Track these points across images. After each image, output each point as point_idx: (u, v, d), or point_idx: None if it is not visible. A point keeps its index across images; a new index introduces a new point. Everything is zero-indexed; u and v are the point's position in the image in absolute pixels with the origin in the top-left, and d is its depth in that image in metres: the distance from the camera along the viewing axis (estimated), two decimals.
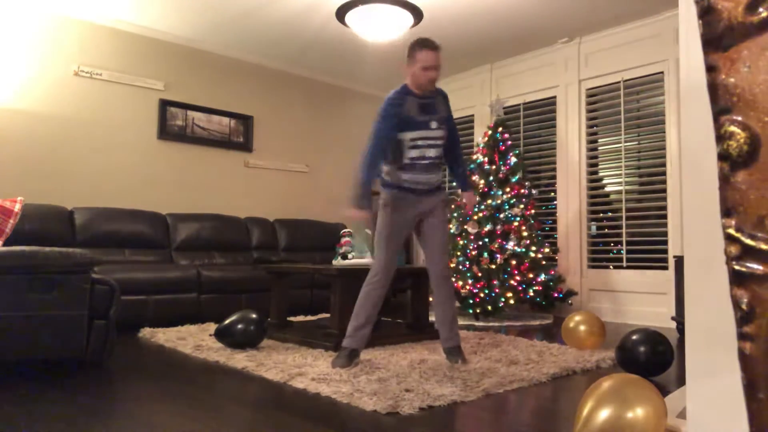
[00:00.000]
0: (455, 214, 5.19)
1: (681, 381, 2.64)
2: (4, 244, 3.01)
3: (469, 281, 4.80)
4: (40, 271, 2.58)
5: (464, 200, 3.22)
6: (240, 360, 2.95)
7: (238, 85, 5.94)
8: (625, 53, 5.19)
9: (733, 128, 0.82)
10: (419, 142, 2.88)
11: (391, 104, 2.85)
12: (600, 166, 5.42)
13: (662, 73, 4.95)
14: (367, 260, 3.82)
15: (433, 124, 2.90)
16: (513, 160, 5.16)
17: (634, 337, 2.70)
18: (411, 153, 2.88)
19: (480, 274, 4.81)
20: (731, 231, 0.83)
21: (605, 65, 5.33)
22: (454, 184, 3.20)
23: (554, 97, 5.72)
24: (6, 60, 4.58)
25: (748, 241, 0.81)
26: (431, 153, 2.92)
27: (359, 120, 6.93)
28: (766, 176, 0.80)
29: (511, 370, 2.76)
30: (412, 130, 2.86)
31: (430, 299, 4.13)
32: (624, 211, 5.17)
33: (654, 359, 2.65)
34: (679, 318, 4.02)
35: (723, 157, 0.83)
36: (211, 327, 4.08)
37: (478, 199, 5.08)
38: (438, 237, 2.99)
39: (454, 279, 4.92)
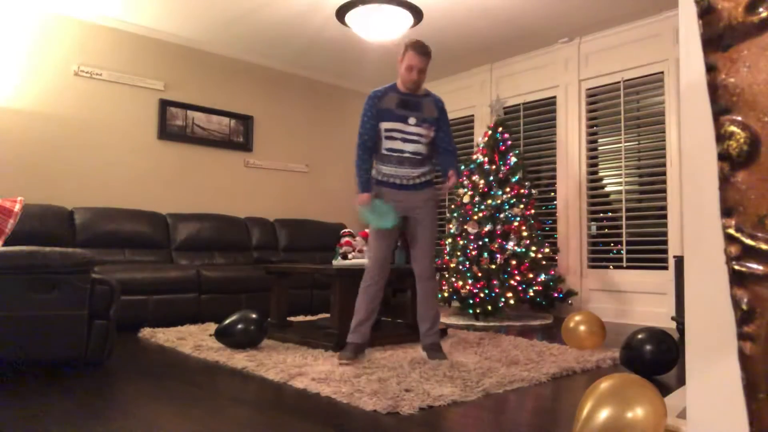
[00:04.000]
0: (455, 214, 5.19)
1: (681, 381, 2.64)
2: (4, 244, 3.01)
3: (469, 281, 4.80)
4: (40, 271, 2.58)
5: (447, 179, 3.06)
6: (240, 360, 2.95)
7: (238, 85, 5.94)
8: (625, 53, 5.19)
9: (733, 128, 0.82)
10: (394, 134, 2.98)
11: (371, 98, 3.03)
12: (600, 166, 5.42)
13: (662, 73, 4.95)
14: (367, 261, 3.82)
15: (411, 120, 2.98)
16: (513, 160, 5.16)
17: (640, 336, 2.70)
18: (386, 144, 3.01)
19: (480, 274, 4.81)
20: (731, 231, 0.83)
21: (605, 65, 5.33)
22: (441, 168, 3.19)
23: (554, 97, 5.72)
24: (6, 60, 4.58)
25: (748, 241, 0.81)
26: (408, 148, 2.99)
27: (359, 120, 6.93)
28: (766, 176, 0.80)
29: (511, 370, 2.76)
30: (387, 120, 2.99)
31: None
32: (624, 211, 5.16)
33: (660, 358, 2.65)
34: (679, 318, 4.02)
35: (723, 157, 0.83)
36: (211, 327, 4.08)
37: (477, 199, 5.07)
38: (422, 235, 3.03)
39: (454, 279, 4.92)
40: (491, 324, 4.68)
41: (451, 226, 5.27)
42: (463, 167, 5.37)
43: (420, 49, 2.94)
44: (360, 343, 2.98)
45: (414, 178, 3.02)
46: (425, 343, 3.06)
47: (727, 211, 0.83)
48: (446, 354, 3.05)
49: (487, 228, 4.92)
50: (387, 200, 3.00)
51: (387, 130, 2.99)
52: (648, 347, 2.66)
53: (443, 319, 4.78)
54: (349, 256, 3.84)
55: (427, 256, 3.04)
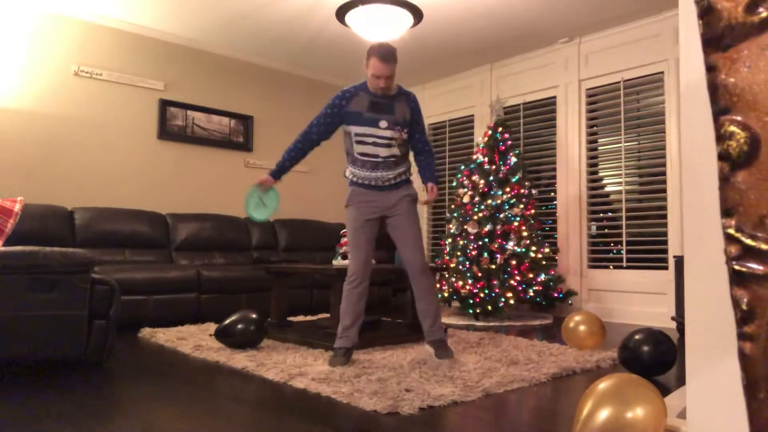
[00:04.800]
0: (455, 214, 5.19)
1: (681, 381, 2.64)
2: (4, 244, 3.01)
3: (469, 281, 4.80)
4: (40, 271, 2.58)
5: (430, 189, 3.04)
6: (240, 360, 2.95)
7: (238, 85, 5.94)
8: (625, 53, 5.19)
9: (733, 128, 0.82)
10: (365, 139, 2.93)
11: (339, 97, 2.98)
12: (600, 166, 5.42)
13: (662, 73, 4.95)
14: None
15: (383, 124, 2.92)
16: (513, 160, 5.16)
17: (637, 337, 2.71)
18: (357, 148, 2.96)
19: (480, 274, 4.81)
20: (731, 231, 0.83)
21: (605, 65, 5.34)
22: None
23: (554, 97, 5.72)
24: (6, 60, 4.58)
25: (748, 241, 0.81)
26: (381, 152, 2.94)
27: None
28: (766, 176, 0.80)
29: (511, 370, 2.76)
30: (357, 125, 2.93)
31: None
32: (624, 211, 5.16)
33: (657, 358, 2.65)
34: (679, 318, 4.02)
35: (723, 157, 0.83)
36: (211, 327, 4.08)
37: (477, 199, 5.07)
38: (406, 232, 2.99)
39: (454, 279, 4.92)
40: (491, 324, 4.68)
41: (451, 226, 5.27)
42: (462, 167, 5.37)
43: (384, 56, 2.85)
44: (349, 347, 2.92)
45: (389, 179, 2.98)
46: (431, 339, 3.03)
47: (727, 211, 0.83)
48: (452, 351, 3.03)
49: (487, 228, 4.92)
50: (366, 201, 2.97)
51: (357, 134, 2.93)
52: (645, 348, 2.66)
53: (443, 319, 4.78)
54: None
55: (414, 251, 2.99)
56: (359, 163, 2.97)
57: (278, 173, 3.09)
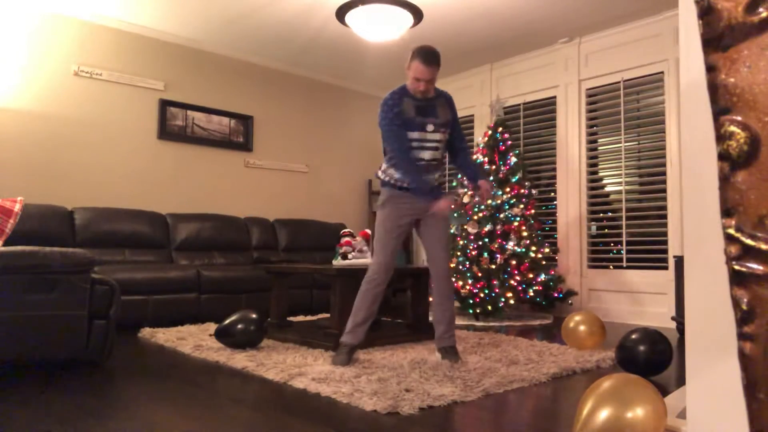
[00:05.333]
0: (455, 214, 5.19)
1: (681, 381, 2.64)
2: (4, 244, 3.01)
3: (469, 281, 4.80)
4: (40, 271, 2.58)
5: (480, 190, 3.05)
6: (240, 360, 2.95)
7: (238, 85, 5.94)
8: (625, 53, 5.19)
9: (733, 128, 0.82)
10: (413, 144, 2.88)
11: (389, 107, 2.85)
12: (600, 166, 5.42)
13: (662, 73, 4.95)
14: (367, 261, 3.82)
15: (429, 127, 2.90)
16: (513, 160, 5.16)
17: (634, 337, 2.71)
18: None
19: (480, 274, 4.81)
20: (731, 231, 0.83)
21: (605, 65, 5.34)
22: (465, 181, 3.14)
23: (554, 97, 5.72)
24: (6, 60, 4.58)
25: (748, 241, 0.81)
26: (426, 155, 2.91)
27: (359, 120, 6.94)
28: (766, 176, 0.80)
29: (511, 370, 2.76)
30: (408, 130, 2.87)
31: (430, 299, 4.14)
32: (624, 211, 5.16)
33: (653, 358, 2.65)
34: (679, 318, 4.02)
35: (723, 157, 0.83)
36: (211, 327, 4.08)
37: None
38: (438, 235, 2.99)
39: (454, 279, 4.92)
40: (491, 324, 4.68)
41: (451, 226, 5.27)
42: None
43: (427, 58, 2.80)
44: (355, 345, 2.92)
45: (432, 182, 2.97)
46: (441, 345, 2.99)
47: (727, 211, 0.83)
48: (460, 358, 2.98)
49: (487, 228, 4.92)
50: (404, 204, 2.92)
51: (408, 140, 2.87)
52: (642, 348, 2.66)
53: None
54: (349, 256, 3.84)
55: (444, 256, 2.99)
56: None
57: (422, 182, 2.90)
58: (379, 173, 3.02)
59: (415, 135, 2.88)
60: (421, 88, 2.85)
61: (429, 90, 2.90)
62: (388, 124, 2.84)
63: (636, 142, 5.18)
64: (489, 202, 2.99)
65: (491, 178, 5.11)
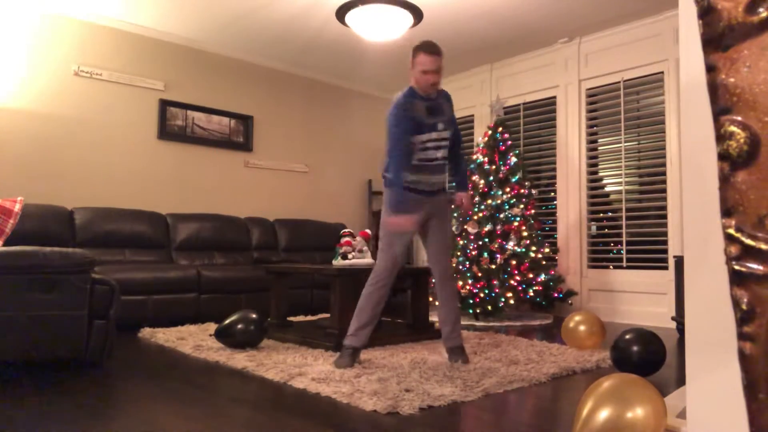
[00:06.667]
0: (455, 214, 5.19)
1: (681, 381, 2.64)
2: (4, 244, 3.01)
3: (469, 281, 4.80)
4: (40, 271, 2.58)
5: (462, 201, 3.10)
6: (240, 360, 2.95)
7: (238, 85, 5.94)
8: (625, 53, 5.19)
9: (733, 128, 0.82)
10: (429, 144, 2.89)
11: (403, 108, 2.84)
12: (600, 166, 5.42)
13: (662, 73, 4.95)
14: (367, 261, 3.82)
15: (440, 126, 2.91)
16: (513, 160, 5.16)
17: (627, 337, 2.72)
18: (420, 155, 2.89)
19: (480, 274, 4.81)
20: (731, 231, 0.83)
21: (605, 65, 5.33)
22: (453, 184, 3.16)
23: (554, 97, 5.72)
24: (6, 60, 4.58)
25: (748, 241, 0.81)
26: (439, 154, 2.94)
27: (359, 120, 6.94)
28: (766, 176, 0.80)
29: (511, 370, 2.76)
30: (422, 132, 2.87)
31: (431, 299, 4.14)
32: (624, 211, 5.16)
33: (647, 358, 2.66)
34: (679, 318, 4.02)
35: (723, 157, 0.83)
36: (211, 327, 4.08)
37: (477, 199, 5.07)
38: (442, 237, 3.00)
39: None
40: (491, 324, 4.68)
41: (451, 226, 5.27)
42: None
43: (431, 49, 2.82)
44: (358, 348, 2.90)
45: (442, 182, 2.99)
46: (449, 345, 2.99)
47: (727, 211, 0.83)
48: (468, 358, 2.98)
49: (487, 228, 4.92)
50: (413, 206, 2.88)
51: (423, 142, 2.87)
52: (635, 348, 2.68)
53: None
54: (349, 256, 3.84)
55: (446, 256, 3.00)
56: (417, 168, 2.90)
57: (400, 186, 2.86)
58: (387, 174, 2.97)
59: (432, 135, 2.88)
60: (431, 80, 2.84)
61: (438, 82, 2.90)
62: (395, 124, 2.82)
63: (636, 142, 5.18)
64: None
65: (491, 178, 5.11)
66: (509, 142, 5.26)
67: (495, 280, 4.77)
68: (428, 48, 2.83)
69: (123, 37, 5.18)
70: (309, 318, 4.81)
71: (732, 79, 0.82)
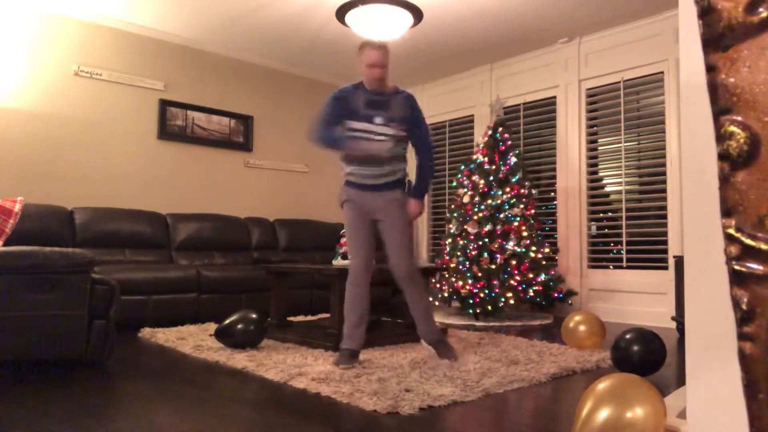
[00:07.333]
0: (455, 214, 5.20)
1: (681, 381, 2.64)
2: (4, 244, 3.01)
3: (469, 281, 4.80)
4: (40, 271, 2.58)
5: (410, 207, 3.03)
6: (240, 360, 2.95)
7: (238, 85, 5.94)
8: (625, 53, 5.19)
9: (733, 128, 0.82)
10: (357, 134, 2.92)
11: (335, 93, 3.00)
12: (600, 166, 5.42)
13: (662, 73, 4.95)
14: None
15: (377, 120, 2.93)
16: (513, 160, 5.16)
17: (628, 336, 2.72)
18: (351, 143, 2.94)
19: (480, 274, 4.81)
20: (731, 231, 0.83)
21: (605, 65, 5.33)
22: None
23: (554, 97, 5.72)
24: (6, 60, 4.58)
25: (748, 241, 0.81)
26: (372, 147, 2.94)
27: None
28: (766, 176, 0.80)
29: (511, 370, 2.76)
30: (353, 120, 2.94)
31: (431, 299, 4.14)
32: (624, 211, 5.16)
33: (647, 358, 2.66)
34: (679, 318, 4.02)
35: (723, 157, 0.83)
36: (211, 327, 4.08)
37: (477, 199, 5.06)
38: (394, 237, 2.96)
39: (454, 279, 4.92)
40: (491, 324, 4.68)
41: (451, 226, 5.27)
42: (462, 167, 5.37)
43: (374, 44, 2.92)
44: (356, 349, 2.91)
45: (377, 177, 2.95)
46: (429, 339, 3.04)
47: (727, 211, 0.83)
48: (454, 350, 3.03)
49: (487, 228, 4.92)
50: (357, 201, 2.97)
51: (351, 130, 2.93)
52: (635, 348, 2.67)
53: (443, 319, 4.78)
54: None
55: (400, 258, 2.96)
56: (349, 157, 2.97)
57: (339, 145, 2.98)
58: (318, 142, 3.01)
59: (361, 126, 2.93)
60: (376, 75, 2.91)
61: (384, 77, 2.95)
62: (324, 104, 2.99)
63: (636, 142, 5.18)
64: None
65: (491, 178, 5.11)
66: (509, 142, 5.26)
67: (495, 280, 4.77)
68: (372, 44, 2.93)
69: (123, 37, 5.18)
70: (309, 318, 4.80)
71: (732, 79, 0.82)
